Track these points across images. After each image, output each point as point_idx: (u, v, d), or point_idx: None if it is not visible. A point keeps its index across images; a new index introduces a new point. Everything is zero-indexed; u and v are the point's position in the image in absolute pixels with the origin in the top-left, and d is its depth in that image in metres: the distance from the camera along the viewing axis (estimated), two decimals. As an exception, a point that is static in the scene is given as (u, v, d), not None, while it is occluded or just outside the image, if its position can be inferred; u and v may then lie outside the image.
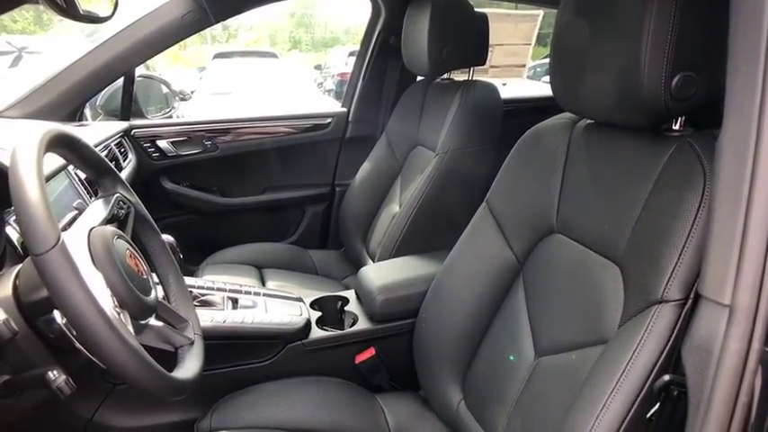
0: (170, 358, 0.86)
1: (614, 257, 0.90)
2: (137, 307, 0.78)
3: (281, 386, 1.19)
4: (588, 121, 1.02)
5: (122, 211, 0.93)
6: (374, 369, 1.28)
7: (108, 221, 0.88)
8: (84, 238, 0.78)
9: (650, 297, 0.77)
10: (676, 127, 0.85)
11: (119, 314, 0.72)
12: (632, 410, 0.73)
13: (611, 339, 0.83)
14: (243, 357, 1.22)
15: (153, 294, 0.85)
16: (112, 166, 0.95)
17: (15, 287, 0.78)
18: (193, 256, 1.94)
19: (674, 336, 0.72)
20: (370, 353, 1.27)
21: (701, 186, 0.74)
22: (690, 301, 0.72)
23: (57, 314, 0.72)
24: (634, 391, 0.73)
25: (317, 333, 1.28)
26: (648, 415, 0.72)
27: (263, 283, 1.73)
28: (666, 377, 0.68)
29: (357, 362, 1.28)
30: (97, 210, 0.88)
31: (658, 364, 0.72)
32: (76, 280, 0.63)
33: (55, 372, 0.70)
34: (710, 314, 0.57)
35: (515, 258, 1.12)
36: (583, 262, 0.97)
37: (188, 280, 1.15)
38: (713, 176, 0.64)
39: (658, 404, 0.71)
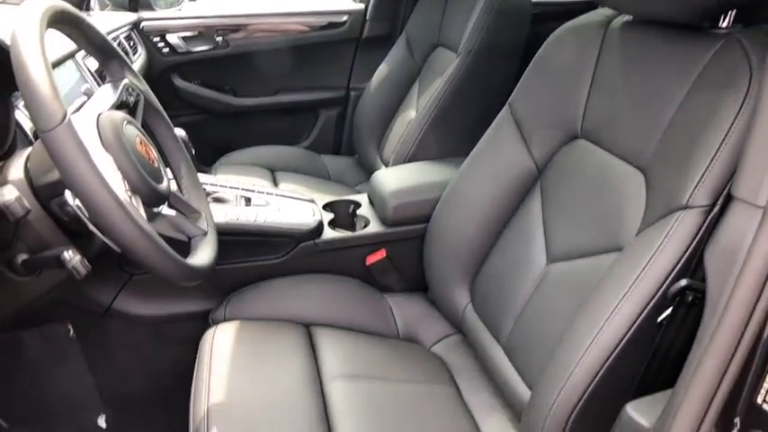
0: (183, 248, 0.86)
1: (639, 164, 0.87)
2: (149, 193, 0.77)
3: (293, 281, 1.22)
4: (626, 17, 0.95)
5: (131, 98, 0.90)
6: (384, 270, 1.29)
7: (117, 108, 0.85)
8: (92, 122, 0.76)
9: (674, 203, 0.75)
10: (724, 24, 0.78)
11: (130, 198, 0.72)
12: (643, 314, 0.73)
13: (628, 245, 0.82)
14: (256, 254, 1.24)
15: (165, 183, 0.84)
16: (119, 50, 0.91)
17: (27, 170, 0.78)
18: (205, 156, 1.93)
19: (695, 241, 0.71)
20: (380, 254, 1.28)
21: (746, 86, 0.69)
22: (717, 206, 0.70)
23: (69, 195, 0.72)
24: (647, 295, 0.72)
25: (329, 234, 1.28)
26: (659, 320, 0.73)
27: (276, 185, 1.73)
28: (683, 282, 0.67)
29: (368, 263, 1.29)
30: (105, 95, 0.85)
31: (676, 269, 0.71)
32: (85, 158, 0.61)
33: (70, 252, 0.71)
34: (742, 216, 0.54)
35: (534, 165, 1.09)
36: (605, 169, 0.94)
37: (201, 177, 1.13)
38: (761, 73, 0.59)
39: (670, 309, 0.71)
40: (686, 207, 0.73)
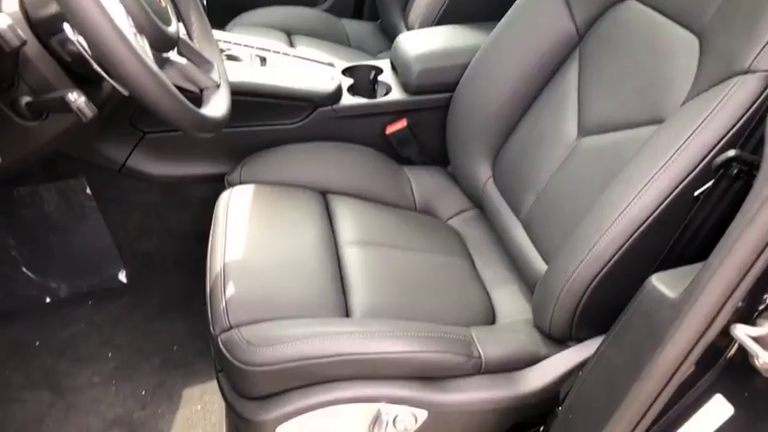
0: (195, 102, 0.81)
1: (695, 27, 0.78)
2: (156, 35, 0.71)
3: (310, 147, 1.18)
4: None
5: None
6: (404, 141, 1.25)
7: None
8: None
9: (732, 68, 0.68)
10: None
11: (135, 36, 0.66)
12: (680, 187, 0.68)
13: (673, 115, 0.75)
14: (271, 117, 1.19)
15: (173, 26, 0.77)
16: None
17: (22, 2, 0.71)
18: (217, 17, 1.79)
19: (752, 109, 0.64)
20: (401, 124, 1.22)
21: None
22: (785, 70, 0.62)
23: (69, 30, 0.66)
24: (688, 166, 0.67)
25: (348, 100, 1.22)
26: (697, 193, 0.68)
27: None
28: (731, 152, 0.62)
29: (387, 132, 1.24)
30: None
31: (724, 139, 0.65)
32: None
33: (74, 93, 0.67)
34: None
35: (575, 29, 1.00)
36: (655, 33, 0.85)
37: (213, 32, 1.05)
38: None
39: (711, 182, 0.66)
40: (747, 72, 0.66)
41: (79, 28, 0.58)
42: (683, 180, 0.68)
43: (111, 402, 1.14)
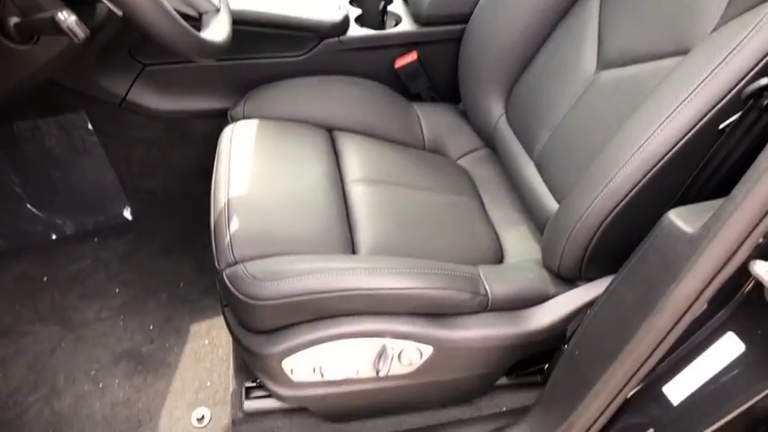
0: (194, 28, 0.77)
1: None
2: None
3: (315, 82, 1.14)
4: None
5: None
6: (414, 75, 1.20)
7: None
8: None
9: (772, -11, 0.62)
10: None
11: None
12: (705, 119, 0.64)
13: (701, 43, 0.71)
14: (276, 49, 1.14)
15: (168, -58, 0.72)
16: None
17: None
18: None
19: (791, 32, 0.60)
20: (411, 57, 1.17)
21: None
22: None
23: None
24: (715, 97, 0.63)
25: (355, 31, 1.17)
26: (722, 126, 0.65)
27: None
28: (764, 81, 0.58)
29: (397, 66, 1.19)
30: None
31: (758, 66, 0.61)
32: None
33: (64, 13, 0.63)
34: None
35: (599, -48, 0.93)
36: (687, -45, 0.79)
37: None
38: None
39: (739, 114, 0.63)
40: (787, -7, 0.61)
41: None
42: (709, 112, 0.64)
43: (120, 336, 1.16)
